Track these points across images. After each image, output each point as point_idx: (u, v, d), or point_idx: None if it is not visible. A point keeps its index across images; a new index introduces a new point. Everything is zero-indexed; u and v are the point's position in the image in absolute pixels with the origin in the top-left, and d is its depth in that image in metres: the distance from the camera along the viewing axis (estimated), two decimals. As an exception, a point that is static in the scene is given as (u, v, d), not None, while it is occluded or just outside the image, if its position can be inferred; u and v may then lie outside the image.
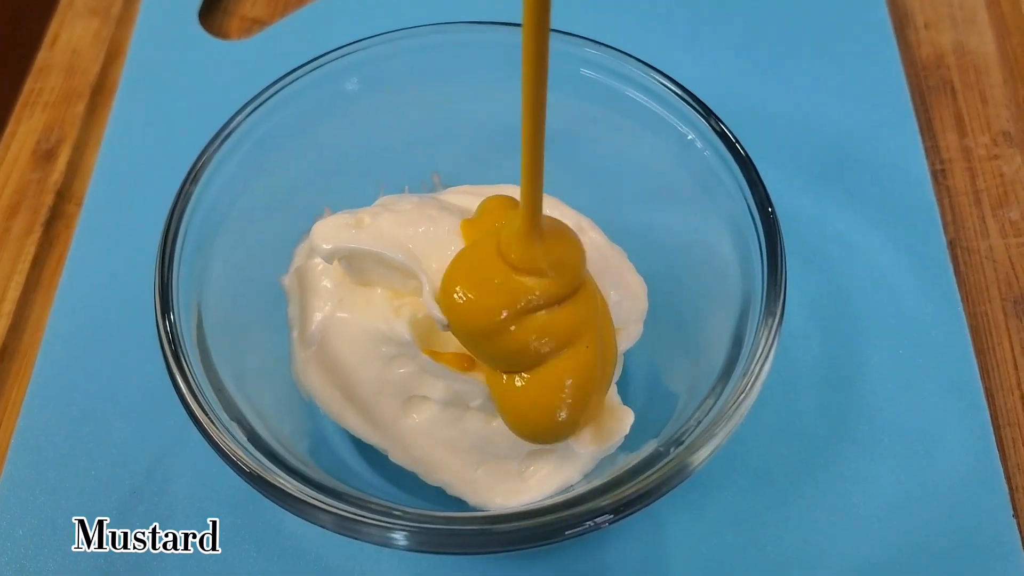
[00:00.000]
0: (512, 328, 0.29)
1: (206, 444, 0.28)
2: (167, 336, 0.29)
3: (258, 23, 0.50)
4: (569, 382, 0.29)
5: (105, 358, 0.39)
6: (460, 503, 0.32)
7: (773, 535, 0.34)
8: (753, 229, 0.31)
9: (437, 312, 0.29)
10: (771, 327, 0.29)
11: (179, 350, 0.29)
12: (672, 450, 0.28)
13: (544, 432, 0.30)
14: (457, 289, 0.29)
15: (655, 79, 0.34)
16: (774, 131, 0.44)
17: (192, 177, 0.32)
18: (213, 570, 0.34)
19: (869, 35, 0.47)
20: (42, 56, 0.49)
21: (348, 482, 0.31)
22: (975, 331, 0.39)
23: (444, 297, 0.29)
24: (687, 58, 0.46)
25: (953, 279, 0.39)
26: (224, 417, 0.29)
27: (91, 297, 0.41)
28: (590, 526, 0.26)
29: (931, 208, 0.41)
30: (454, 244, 0.31)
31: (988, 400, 0.37)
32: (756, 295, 0.30)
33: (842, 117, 0.44)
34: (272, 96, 0.34)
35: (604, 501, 0.27)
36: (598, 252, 0.33)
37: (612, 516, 0.26)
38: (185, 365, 0.29)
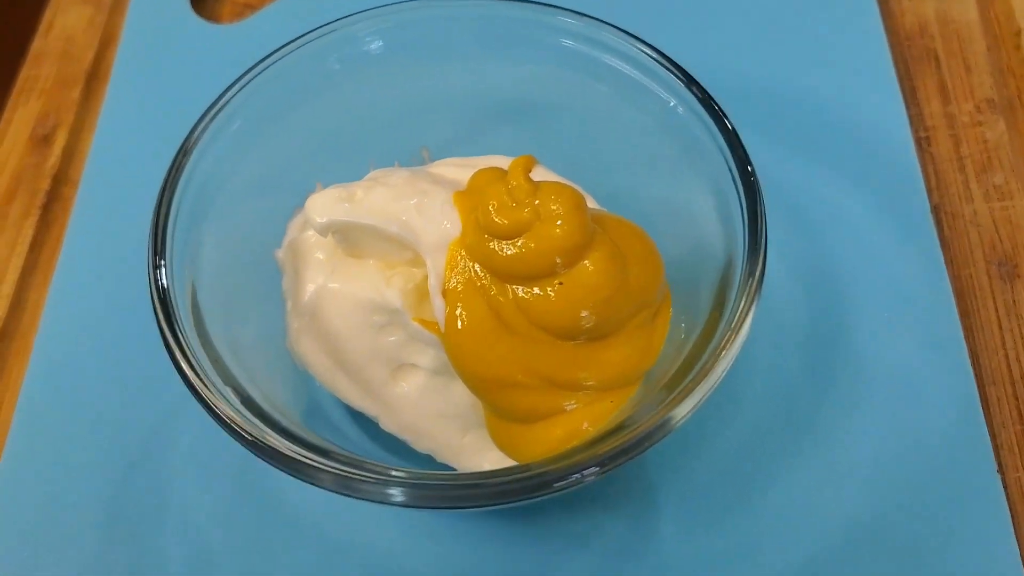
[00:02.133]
0: (525, 385, 0.31)
1: (203, 417, 0.28)
2: (162, 307, 0.30)
3: (249, 7, 0.51)
4: (585, 425, 0.31)
5: (102, 336, 0.40)
6: (450, 470, 0.33)
7: (760, 493, 0.35)
8: (735, 190, 0.32)
9: (440, 306, 0.30)
10: (752, 285, 0.30)
11: (174, 320, 0.30)
12: (656, 405, 0.29)
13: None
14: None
15: (635, 47, 0.34)
16: (758, 100, 0.44)
17: (184, 151, 0.33)
18: (213, 540, 0.35)
19: (852, 4, 0.47)
20: (37, 44, 0.50)
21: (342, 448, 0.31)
22: (960, 294, 0.39)
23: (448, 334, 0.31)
24: (667, 29, 0.47)
25: (937, 243, 0.40)
26: (219, 383, 0.29)
27: (87, 277, 0.42)
28: (577, 479, 0.27)
29: (915, 174, 0.42)
30: (447, 216, 0.32)
31: (973, 361, 0.37)
32: (738, 256, 0.31)
33: (827, 86, 0.45)
34: (260, 74, 0.35)
35: (589, 454, 0.27)
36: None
37: (598, 468, 0.27)
38: (180, 335, 0.29)
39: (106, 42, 0.50)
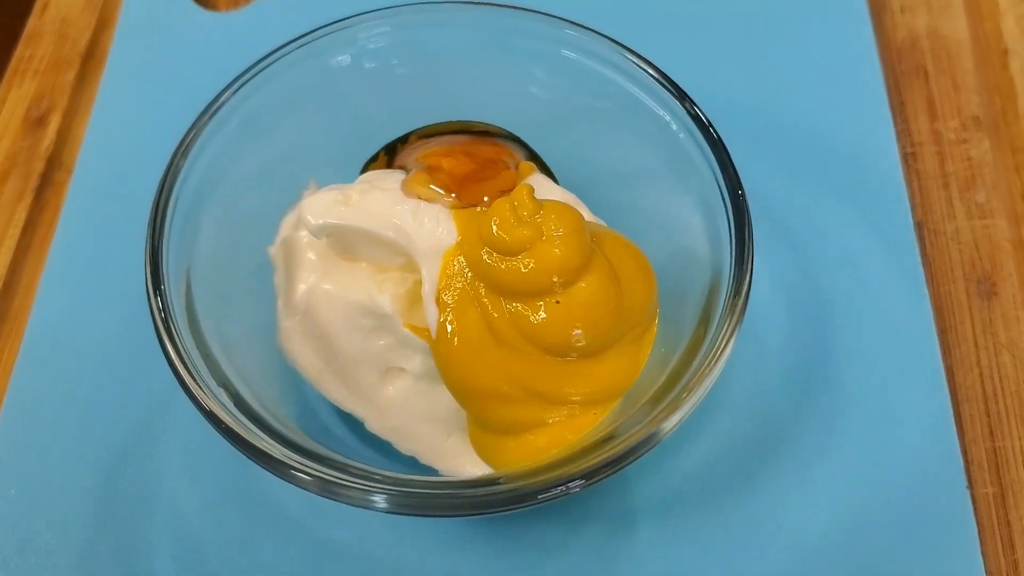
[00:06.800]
0: (512, 398, 0.31)
1: (193, 409, 0.29)
2: (157, 306, 0.30)
3: (246, -6, 0.51)
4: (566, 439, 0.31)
5: (95, 321, 0.40)
6: (434, 471, 0.34)
7: (736, 503, 0.35)
8: (723, 209, 0.32)
9: (432, 313, 0.31)
10: (738, 304, 0.30)
11: (169, 318, 0.30)
12: (641, 419, 0.29)
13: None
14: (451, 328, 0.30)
15: (631, 60, 0.35)
16: (748, 113, 0.45)
17: (182, 151, 0.33)
18: (201, 532, 0.36)
19: (846, 18, 0.48)
20: (32, 23, 0.50)
21: (330, 447, 0.32)
22: (938, 311, 0.40)
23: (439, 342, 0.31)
24: (660, 41, 0.46)
25: (919, 260, 0.40)
26: (212, 382, 0.30)
27: (81, 262, 0.42)
28: (562, 491, 0.28)
29: (900, 190, 0.42)
30: (443, 223, 0.32)
31: (948, 377, 0.38)
32: (724, 273, 0.32)
33: (816, 100, 0.45)
34: (260, 71, 0.35)
35: (575, 467, 0.28)
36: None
37: (583, 481, 0.28)
38: (174, 332, 0.30)
39: (102, 24, 0.50)
